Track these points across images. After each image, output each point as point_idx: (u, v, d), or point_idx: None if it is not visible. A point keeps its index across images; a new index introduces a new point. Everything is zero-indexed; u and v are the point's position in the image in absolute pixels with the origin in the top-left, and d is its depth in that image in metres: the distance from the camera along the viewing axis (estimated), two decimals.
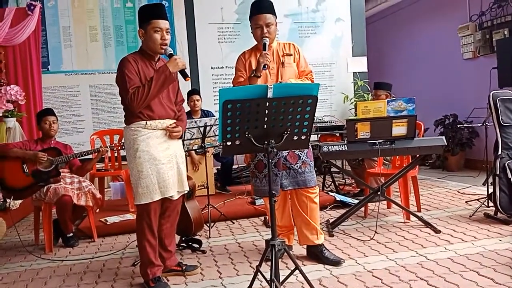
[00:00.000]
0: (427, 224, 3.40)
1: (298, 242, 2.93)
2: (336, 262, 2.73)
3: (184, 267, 2.73)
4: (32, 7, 5.14)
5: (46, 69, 5.63)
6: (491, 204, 3.63)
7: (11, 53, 5.13)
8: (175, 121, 2.59)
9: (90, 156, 3.65)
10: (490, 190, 3.58)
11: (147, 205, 2.47)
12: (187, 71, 2.53)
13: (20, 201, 4.23)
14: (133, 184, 2.49)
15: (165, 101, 2.53)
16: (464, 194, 4.53)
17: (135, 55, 2.52)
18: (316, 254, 2.82)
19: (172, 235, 2.75)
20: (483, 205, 3.76)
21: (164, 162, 2.48)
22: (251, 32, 2.83)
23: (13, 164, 3.36)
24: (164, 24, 2.45)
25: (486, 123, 4.07)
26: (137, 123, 2.45)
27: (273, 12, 2.76)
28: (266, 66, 2.68)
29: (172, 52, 2.51)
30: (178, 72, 2.50)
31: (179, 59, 2.45)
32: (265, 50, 2.69)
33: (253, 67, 2.80)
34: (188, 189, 2.71)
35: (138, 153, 2.43)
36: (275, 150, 2.11)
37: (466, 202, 4.16)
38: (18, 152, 3.36)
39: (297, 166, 2.75)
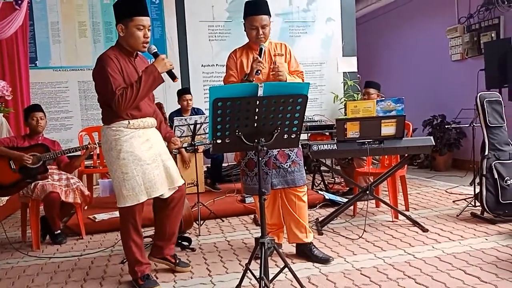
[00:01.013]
0: (415, 223, 3.44)
1: (287, 240, 2.94)
2: (325, 260, 2.75)
3: (177, 261, 2.72)
4: (19, 2, 5.05)
5: (34, 65, 5.56)
6: (477, 203, 3.68)
7: None
8: (154, 119, 2.57)
9: (79, 152, 3.62)
10: (477, 190, 3.63)
11: (132, 207, 2.41)
12: (176, 70, 2.49)
13: (6, 198, 4.17)
14: (116, 186, 2.42)
15: (145, 99, 2.46)
16: (452, 193, 4.59)
17: (115, 51, 2.40)
18: (305, 252, 2.83)
19: (176, 226, 2.71)
20: (470, 205, 3.82)
21: (149, 162, 2.42)
22: (244, 31, 2.81)
23: None
24: (147, 21, 2.36)
25: (474, 124, 4.12)
26: (119, 122, 2.37)
27: (268, 13, 2.76)
28: (259, 72, 2.66)
29: (156, 50, 2.44)
30: (166, 73, 2.40)
31: (166, 59, 2.39)
32: (260, 56, 2.68)
33: (245, 67, 2.80)
34: (181, 184, 2.64)
35: (122, 154, 2.36)
36: (265, 148, 2.11)
37: (454, 201, 4.21)
38: (4, 151, 3.31)
39: (286, 165, 2.76)
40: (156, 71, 2.33)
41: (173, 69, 2.42)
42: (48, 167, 3.42)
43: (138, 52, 2.49)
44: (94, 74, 2.40)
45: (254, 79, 2.68)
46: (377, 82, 4.76)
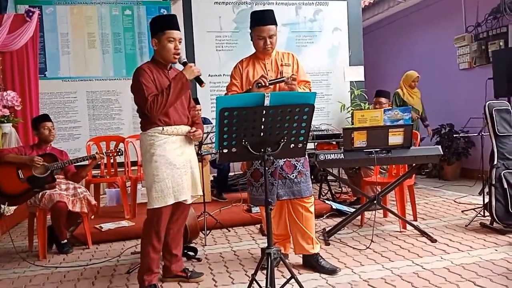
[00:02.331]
0: (423, 233, 3.40)
1: (294, 251, 2.92)
2: (332, 271, 2.72)
3: (189, 274, 2.73)
4: (30, 14, 5.14)
5: (43, 75, 5.62)
6: (487, 213, 3.64)
7: (9, 59, 5.12)
8: (189, 127, 2.64)
9: (86, 162, 3.64)
10: (486, 200, 3.59)
11: (159, 210, 2.49)
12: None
13: (14, 207, 4.20)
14: (148, 189, 2.52)
15: (179, 107, 2.59)
16: (460, 203, 4.54)
17: (149, 64, 2.58)
18: (311, 263, 2.81)
19: (178, 239, 2.76)
20: (479, 215, 3.77)
21: (179, 167, 2.53)
22: (251, 40, 2.83)
23: (8, 169, 3.34)
24: (177, 34, 2.54)
25: (482, 133, 4.09)
26: (154, 129, 2.50)
27: (275, 22, 2.77)
28: (260, 85, 2.65)
29: (186, 60, 2.58)
30: (194, 79, 2.54)
31: (194, 66, 2.52)
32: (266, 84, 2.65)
33: (251, 77, 2.80)
34: (202, 194, 2.73)
35: (155, 157, 2.48)
36: (271, 158, 2.11)
37: (462, 211, 4.16)
38: (13, 158, 3.35)
39: (293, 176, 2.74)
40: (184, 78, 2.48)
41: (200, 75, 2.55)
42: (55, 176, 3.44)
43: (171, 65, 2.64)
44: (131, 86, 2.55)
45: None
46: (388, 91, 4.75)
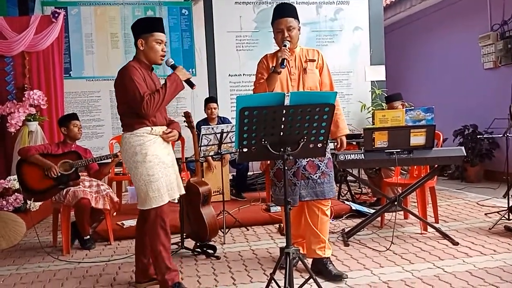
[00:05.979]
0: (445, 235, 3.34)
1: (306, 255, 2.84)
2: (338, 276, 2.62)
3: None
4: (56, 15, 5.27)
5: (68, 75, 5.75)
6: (511, 216, 3.55)
7: (35, 59, 5.26)
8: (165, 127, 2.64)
9: (109, 160, 3.71)
10: (511, 203, 3.50)
11: (160, 208, 2.49)
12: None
13: (40, 203, 4.31)
14: (141, 189, 2.48)
15: (161, 108, 2.60)
16: (484, 206, 4.44)
17: (135, 63, 2.56)
18: (319, 267, 2.72)
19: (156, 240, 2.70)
20: (503, 218, 3.68)
21: (170, 166, 2.58)
22: (274, 38, 2.80)
23: (34, 167, 3.44)
24: (163, 37, 2.58)
25: (507, 134, 3.99)
26: (143, 129, 2.51)
27: (295, 16, 2.73)
28: (285, 61, 2.59)
29: (173, 62, 2.65)
30: (185, 82, 2.57)
31: (184, 69, 2.59)
32: (285, 47, 2.63)
33: None
34: (181, 193, 2.69)
35: (148, 157, 2.47)
36: (291, 157, 2.11)
37: (486, 214, 4.07)
38: (37, 160, 3.43)
39: (316, 176, 2.71)
40: (179, 79, 2.54)
41: (191, 78, 2.61)
42: (79, 174, 3.52)
43: (153, 67, 2.67)
44: (119, 83, 2.54)
45: (280, 71, 2.61)
46: (397, 92, 4.68)
